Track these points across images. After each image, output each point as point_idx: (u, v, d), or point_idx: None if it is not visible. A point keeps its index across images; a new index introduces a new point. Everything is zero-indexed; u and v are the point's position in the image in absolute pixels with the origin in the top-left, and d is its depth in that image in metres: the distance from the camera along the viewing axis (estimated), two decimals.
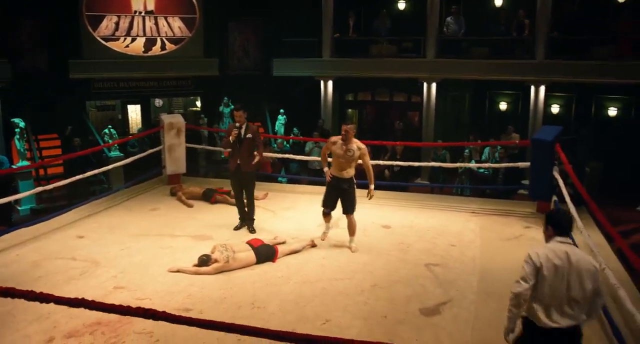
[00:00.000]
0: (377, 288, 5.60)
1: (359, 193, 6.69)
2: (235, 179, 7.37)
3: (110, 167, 9.48)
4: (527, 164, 8.38)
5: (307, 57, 16.05)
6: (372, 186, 6.51)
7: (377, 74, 15.36)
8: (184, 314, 4.90)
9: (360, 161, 6.53)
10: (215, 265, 5.87)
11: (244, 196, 7.40)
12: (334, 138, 6.59)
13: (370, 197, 6.51)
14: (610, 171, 13.66)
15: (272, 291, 5.53)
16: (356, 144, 6.42)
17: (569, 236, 3.48)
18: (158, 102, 17.05)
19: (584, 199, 6.56)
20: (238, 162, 7.18)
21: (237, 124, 7.15)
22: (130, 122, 16.34)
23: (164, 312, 2.95)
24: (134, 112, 16.43)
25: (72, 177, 8.17)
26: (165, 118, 9.58)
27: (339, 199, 6.61)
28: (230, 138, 7.11)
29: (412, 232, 7.30)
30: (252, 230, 7.30)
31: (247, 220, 7.41)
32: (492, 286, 5.64)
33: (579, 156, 8.59)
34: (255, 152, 7.16)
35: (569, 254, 3.34)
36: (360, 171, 6.67)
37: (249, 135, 7.12)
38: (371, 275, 5.91)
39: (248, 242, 6.26)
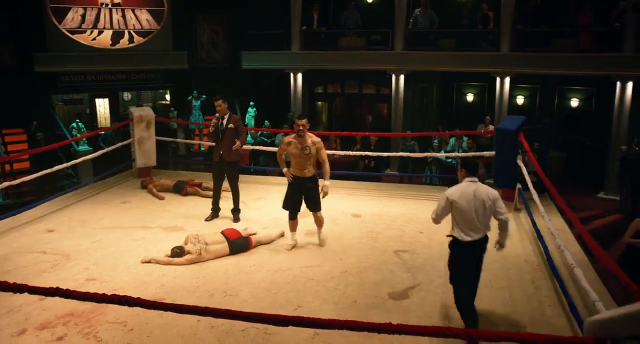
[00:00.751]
0: (347, 274, 5.74)
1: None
2: (217, 170, 7.41)
3: (79, 160, 9.39)
4: (493, 153, 8.62)
5: (276, 50, 16.07)
6: (327, 182, 6.19)
7: (346, 67, 15.48)
8: None
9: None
10: (188, 257, 5.92)
11: (223, 187, 7.49)
12: (287, 138, 6.26)
13: (324, 195, 6.20)
14: (572, 160, 14.11)
15: (244, 279, 5.62)
16: (310, 139, 6.15)
17: (476, 176, 4.66)
18: (127, 95, 16.86)
19: (546, 186, 6.81)
20: (221, 152, 7.24)
21: (218, 115, 7.20)
22: (98, 116, 16.13)
23: (138, 298, 3.01)
24: (102, 106, 16.22)
25: (40, 172, 8.09)
26: (135, 111, 9.54)
27: (303, 199, 6.32)
28: (210, 128, 7.17)
29: (382, 221, 7.46)
30: (236, 219, 7.39)
31: (233, 210, 7.48)
32: None
33: (542, 145, 8.87)
34: (237, 140, 7.15)
35: (475, 190, 4.53)
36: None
37: (231, 125, 7.15)
38: (341, 262, 6.04)
39: (224, 233, 6.31)
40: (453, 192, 4.58)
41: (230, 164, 7.31)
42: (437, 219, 4.75)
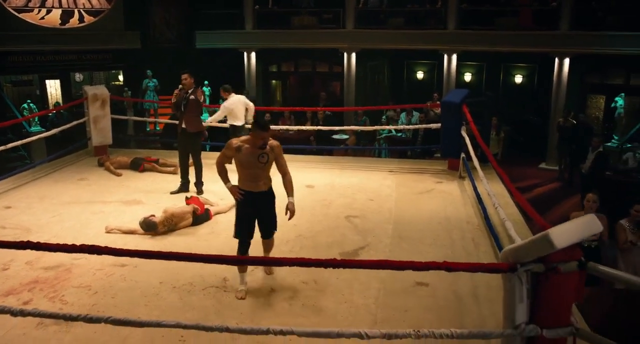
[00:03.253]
0: (301, 237, 6.08)
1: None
2: (180, 142, 7.64)
3: (33, 138, 9.38)
4: (439, 125, 9.06)
5: (229, 29, 16.15)
6: (292, 199, 4.87)
7: (299, 45, 15.70)
8: (119, 269, 5.25)
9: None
10: (151, 233, 6.15)
11: (189, 159, 7.70)
12: (235, 142, 4.75)
13: (291, 216, 4.86)
14: (516, 133, 14.82)
15: (203, 245, 5.90)
16: (268, 143, 4.73)
17: (236, 93, 8.58)
18: (78, 76, 16.64)
19: (487, 156, 7.27)
20: (183, 125, 7.46)
21: (180, 86, 7.43)
22: (49, 98, 15.89)
23: (106, 247, 3.26)
24: (53, 88, 15.97)
25: None
26: (89, 89, 9.56)
27: (256, 220, 4.97)
28: (172, 99, 7.37)
29: (334, 190, 7.82)
30: (200, 191, 7.59)
31: (196, 184, 7.67)
32: (404, 231, 6.27)
33: (484, 116, 9.38)
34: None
35: (238, 98, 8.68)
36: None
37: (192, 97, 7.42)
38: (295, 228, 6.33)
39: (192, 204, 6.56)
40: (228, 104, 8.44)
41: (192, 136, 7.54)
42: (217, 119, 8.72)
